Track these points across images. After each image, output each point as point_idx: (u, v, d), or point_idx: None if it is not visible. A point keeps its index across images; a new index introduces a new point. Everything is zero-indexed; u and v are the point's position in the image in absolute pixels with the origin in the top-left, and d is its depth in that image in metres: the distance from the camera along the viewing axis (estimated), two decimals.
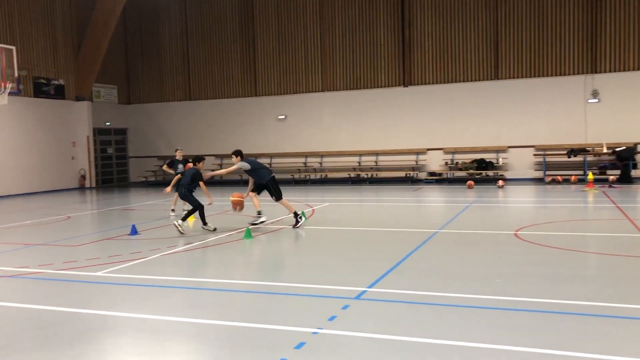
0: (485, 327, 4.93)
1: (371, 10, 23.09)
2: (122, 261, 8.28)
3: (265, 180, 11.35)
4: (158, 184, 24.38)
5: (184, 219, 10.68)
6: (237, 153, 11.41)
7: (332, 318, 5.26)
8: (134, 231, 10.79)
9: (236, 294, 6.40)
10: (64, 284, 7.09)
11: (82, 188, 24.03)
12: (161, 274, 7.50)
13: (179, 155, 14.25)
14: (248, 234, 9.98)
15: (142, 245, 9.57)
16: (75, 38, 24.18)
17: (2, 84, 14.86)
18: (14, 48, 15.92)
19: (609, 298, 5.72)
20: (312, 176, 23.93)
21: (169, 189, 12.34)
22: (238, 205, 10.97)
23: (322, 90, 23.98)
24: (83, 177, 24.24)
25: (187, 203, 11.40)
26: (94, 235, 11.26)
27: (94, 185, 24.50)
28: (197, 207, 10.65)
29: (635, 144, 19.71)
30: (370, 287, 6.39)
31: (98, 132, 25.54)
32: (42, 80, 22.70)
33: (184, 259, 8.59)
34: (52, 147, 23.02)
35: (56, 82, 23.35)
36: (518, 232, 9.74)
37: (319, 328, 4.98)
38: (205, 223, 10.70)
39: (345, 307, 5.60)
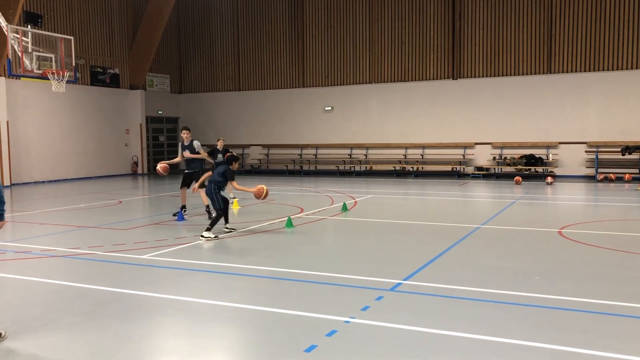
0: (518, 323, 4.92)
1: (421, 1, 22.83)
2: (167, 245, 8.60)
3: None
4: (206, 171, 24.95)
5: (209, 229, 9.21)
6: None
7: (365, 308, 5.35)
8: (180, 217, 11.14)
9: (272, 280, 6.56)
10: (112, 265, 7.43)
11: (134, 174, 24.85)
12: (202, 258, 7.76)
13: (220, 145, 14.44)
14: (289, 223, 10.15)
15: (187, 231, 9.89)
16: (130, 28, 24.94)
17: (61, 72, 15.49)
18: (72, 38, 16.55)
19: None
20: (358, 168, 23.96)
21: (196, 187, 10.93)
22: (261, 196, 9.75)
23: (370, 82, 23.92)
24: (135, 163, 25.05)
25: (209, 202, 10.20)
26: (143, 220, 11.69)
27: (145, 171, 25.28)
28: (220, 213, 9.49)
29: None
30: (406, 279, 6.43)
31: (150, 120, 26.30)
32: (99, 69, 23.54)
33: (224, 245, 8.83)
34: (106, 134, 23.88)
35: (112, 71, 24.16)
36: (562, 230, 9.55)
37: (351, 317, 5.08)
38: (227, 221, 9.80)
39: (379, 298, 5.68)
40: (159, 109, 26.81)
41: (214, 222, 9.35)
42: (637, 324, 4.94)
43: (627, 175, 19.01)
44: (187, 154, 11.71)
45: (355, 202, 13.95)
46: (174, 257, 7.83)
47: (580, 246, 8.35)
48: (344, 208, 12.27)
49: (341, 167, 23.99)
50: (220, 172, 9.66)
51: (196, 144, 11.77)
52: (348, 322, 4.98)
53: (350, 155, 24.37)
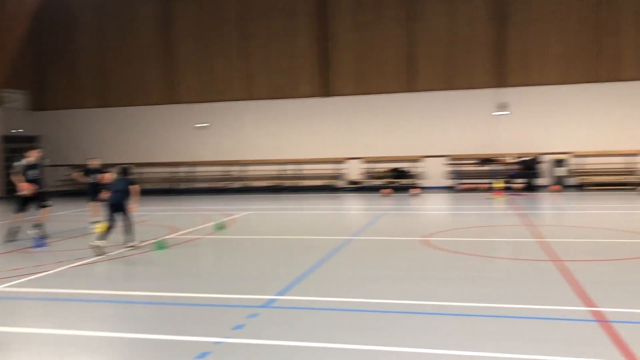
0: (389, 329, 5.14)
1: (291, 20, 23.34)
2: (24, 274, 7.93)
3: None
4: (70, 193, 23.38)
5: (102, 238, 9.33)
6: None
7: (238, 327, 5.30)
8: (39, 243, 10.34)
9: (142, 305, 6.30)
10: None
11: None
12: (64, 287, 7.26)
13: (93, 164, 13.71)
14: (161, 245, 9.81)
15: (47, 258, 9.20)
16: None
17: None
18: None
19: (504, 299, 6.09)
20: (234, 185, 23.79)
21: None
22: None
23: (244, 99, 23.94)
24: None
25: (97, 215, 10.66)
26: None
27: (2, 195, 23.17)
28: (112, 225, 9.63)
29: (539, 154, 20.99)
30: (280, 294, 6.48)
31: (6, 139, 24.20)
32: None
33: (88, 272, 8.33)
34: None
35: None
36: (427, 238, 10.16)
37: (223, 337, 5.01)
38: (103, 239, 9.39)
39: (252, 316, 5.66)
40: (17, 127, 24.76)
41: (109, 231, 9.47)
42: (492, 323, 5.37)
43: (483, 185, 20.67)
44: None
45: (232, 219, 13.83)
46: (33, 286, 7.24)
47: (444, 253, 8.93)
48: (220, 226, 12.13)
49: (217, 185, 23.68)
50: (125, 185, 9.90)
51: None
52: (220, 342, 4.91)
53: (225, 172, 24.14)
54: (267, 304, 6.11)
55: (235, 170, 24.15)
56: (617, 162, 20.71)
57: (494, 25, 21.55)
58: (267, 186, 23.42)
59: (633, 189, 19.03)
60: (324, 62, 23.13)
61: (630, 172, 20.27)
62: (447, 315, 5.58)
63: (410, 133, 22.44)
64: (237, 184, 23.80)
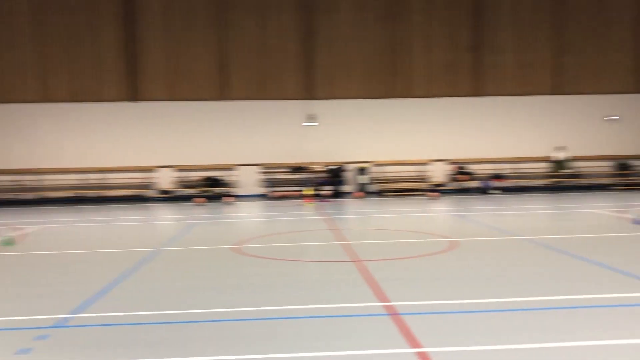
0: (198, 339, 4.99)
1: (94, 17, 21.88)
2: None
3: None
4: None
5: None
6: None
7: (23, 351, 4.74)
8: None
9: None
10: None
11: None
12: None
13: None
14: None
15: None
16: None
17: None
18: None
19: (310, 301, 6.31)
20: (27, 196, 21.48)
21: None
22: None
23: (40, 101, 21.80)
24: None
25: None
26: None
27: None
28: None
29: (344, 163, 22.36)
30: (74, 313, 5.94)
31: None
32: None
33: None
34: None
35: None
36: (239, 246, 10.16)
37: None
38: None
39: (40, 338, 5.10)
40: None
41: None
42: (293, 325, 5.51)
43: (294, 193, 21.39)
44: None
45: (23, 234, 12.44)
46: None
47: (254, 259, 9.00)
48: (7, 242, 10.82)
49: (7, 196, 21.17)
50: None
51: None
52: None
53: (17, 182, 21.72)
54: (60, 324, 5.56)
55: (28, 179, 21.84)
56: (411, 171, 22.91)
57: (303, 40, 22.52)
58: (67, 197, 21.57)
59: (424, 194, 21.19)
60: (131, 65, 22.06)
61: (422, 179, 22.56)
62: (255, 320, 5.61)
63: (224, 141, 22.41)
64: (30, 195, 21.55)
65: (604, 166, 23.21)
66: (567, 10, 22.86)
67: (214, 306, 6.13)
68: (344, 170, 22.14)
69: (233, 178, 22.37)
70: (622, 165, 23.00)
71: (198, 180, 22.05)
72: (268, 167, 22.46)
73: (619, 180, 22.63)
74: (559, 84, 23.06)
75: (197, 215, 16.31)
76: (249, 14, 22.34)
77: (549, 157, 22.93)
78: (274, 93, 22.59)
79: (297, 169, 22.13)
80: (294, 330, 5.31)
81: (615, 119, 23.03)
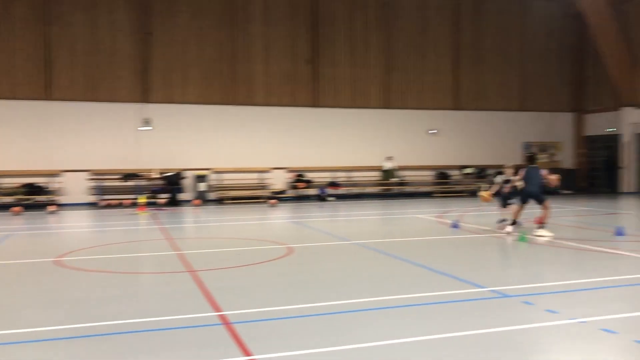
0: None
1: None
2: None
3: None
4: None
5: None
6: None
7: None
8: None
9: None
10: None
11: None
12: None
13: None
14: None
15: None
16: None
17: None
18: None
19: (144, 314, 5.96)
20: None
21: None
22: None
23: None
24: None
25: None
26: None
27: None
28: None
29: (181, 170, 21.73)
30: None
31: None
32: None
33: None
34: None
35: None
36: (63, 259, 9.34)
37: None
38: None
39: None
40: None
41: None
42: (129, 339, 5.17)
43: (126, 201, 20.26)
44: None
45: None
46: None
47: (78, 273, 8.31)
48: None
49: None
50: None
51: None
52: None
53: None
54: None
55: None
56: (251, 178, 22.97)
57: (138, 40, 21.53)
58: None
59: (264, 202, 21.36)
60: None
61: (262, 187, 22.72)
62: (77, 338, 5.16)
63: (47, 145, 20.55)
64: None
65: (427, 175, 25.33)
66: (393, 31, 24.62)
67: (31, 325, 5.53)
68: (181, 178, 21.50)
69: (57, 185, 20.59)
70: (442, 175, 25.30)
71: (16, 188, 19.94)
72: (98, 174, 21.05)
73: (440, 188, 24.83)
74: (387, 98, 24.73)
75: (13, 225, 14.72)
76: (77, 8, 20.81)
77: (379, 166, 24.45)
78: (106, 95, 21.27)
79: (131, 175, 21.03)
80: (125, 345, 4.97)
81: (435, 132, 25.27)
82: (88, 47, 21.01)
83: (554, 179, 11.94)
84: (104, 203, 20.25)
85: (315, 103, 23.73)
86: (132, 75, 21.55)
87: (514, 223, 11.80)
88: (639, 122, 24.68)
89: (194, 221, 16.78)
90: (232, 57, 22.62)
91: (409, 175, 24.91)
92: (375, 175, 24.50)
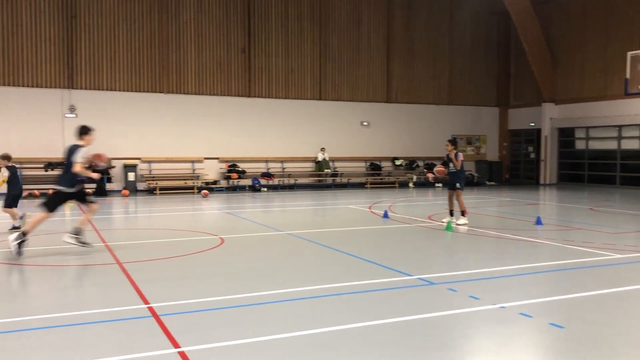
0: None
1: None
2: None
3: None
4: None
5: None
6: None
7: None
8: None
9: None
10: None
11: None
12: None
13: None
14: None
15: None
16: None
17: None
18: None
19: (70, 308, 5.77)
20: None
21: None
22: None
23: None
24: None
25: None
26: None
27: None
28: None
29: (109, 159, 20.99)
30: None
31: None
32: None
33: None
34: None
35: None
36: None
37: None
38: None
39: None
40: None
41: None
42: (50, 334, 5.00)
43: (51, 191, 19.39)
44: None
45: None
46: None
47: (5, 267, 7.93)
48: None
49: None
50: None
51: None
52: None
53: None
54: None
55: None
56: (183, 168, 22.53)
57: (63, 23, 20.59)
58: None
59: (196, 193, 21.02)
60: None
61: (194, 177, 22.34)
62: (11, 332, 4.95)
63: None
64: None
65: (360, 166, 25.72)
66: (327, 23, 24.77)
67: None
68: (109, 167, 20.81)
69: None
70: (374, 166, 25.76)
71: None
72: (19, 162, 20.01)
73: (372, 179, 25.29)
74: (321, 90, 24.87)
75: None
76: None
77: (313, 157, 24.59)
78: (29, 79, 20.24)
79: (55, 164, 20.15)
80: (54, 339, 4.81)
81: (367, 125, 25.67)
82: (7, 29, 19.90)
83: (442, 170, 12.88)
84: (26, 193, 19.28)
85: (249, 93, 23.54)
86: (56, 60, 20.60)
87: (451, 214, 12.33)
88: (558, 117, 26.06)
89: (122, 212, 16.32)
90: (162, 44, 22.06)
91: (342, 166, 25.21)
92: (308, 166, 24.64)
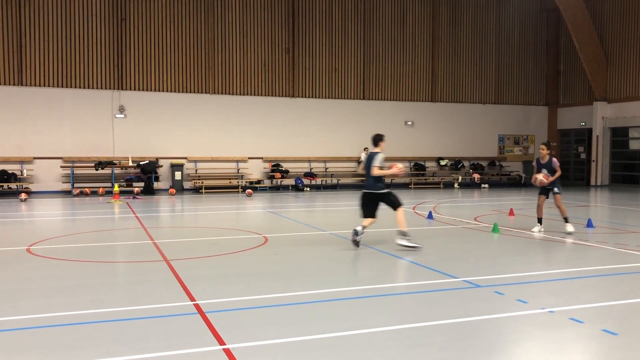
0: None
1: None
2: None
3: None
4: None
5: None
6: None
7: None
8: None
9: None
10: None
11: None
12: None
13: None
14: None
15: None
16: None
17: None
18: None
19: (117, 303, 5.92)
20: None
21: None
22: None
23: None
24: None
25: None
26: None
27: None
28: None
29: (157, 159, 21.52)
30: None
31: None
32: None
33: None
34: None
35: None
36: (31, 247, 9.20)
37: None
38: None
39: None
40: None
41: None
42: (101, 329, 5.14)
43: (100, 189, 20.00)
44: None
45: None
46: None
47: (49, 261, 8.21)
48: None
49: None
50: None
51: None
52: None
53: None
54: None
55: None
56: (227, 168, 22.85)
57: (112, 26, 21.18)
58: None
59: (241, 192, 21.28)
60: None
61: (239, 177, 22.62)
62: (59, 326, 5.11)
63: (17, 132, 20.17)
64: None
65: (405, 167, 25.47)
66: (372, 22, 24.65)
67: (8, 314, 5.45)
68: (157, 166, 21.29)
69: (30, 172, 20.23)
70: (419, 166, 25.49)
71: None
72: (71, 161, 20.73)
73: (416, 179, 25.03)
74: (365, 89, 24.78)
75: None
76: None
77: (356, 157, 24.53)
78: (81, 81, 20.92)
79: (105, 163, 20.75)
80: (100, 334, 4.94)
81: (411, 124, 25.42)
82: (61, 32, 20.61)
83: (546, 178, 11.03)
84: (76, 191, 19.96)
85: (292, 93, 23.67)
86: (107, 62, 21.22)
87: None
88: (610, 116, 25.18)
89: (169, 210, 16.66)
90: (209, 45, 22.43)
91: (387, 166, 24.99)
92: (352, 166, 24.59)
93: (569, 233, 10.80)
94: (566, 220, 10.99)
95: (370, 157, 9.51)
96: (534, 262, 8.50)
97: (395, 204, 9.32)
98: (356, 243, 9.12)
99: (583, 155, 27.02)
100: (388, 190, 9.46)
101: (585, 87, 26.15)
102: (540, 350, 4.70)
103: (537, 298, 6.15)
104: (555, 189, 11.12)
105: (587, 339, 4.97)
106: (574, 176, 27.64)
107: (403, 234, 9.11)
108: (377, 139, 9.72)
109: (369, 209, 9.34)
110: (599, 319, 5.51)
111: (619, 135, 25.67)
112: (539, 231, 11.06)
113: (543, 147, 11.16)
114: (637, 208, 16.22)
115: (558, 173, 11.03)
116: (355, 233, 9.13)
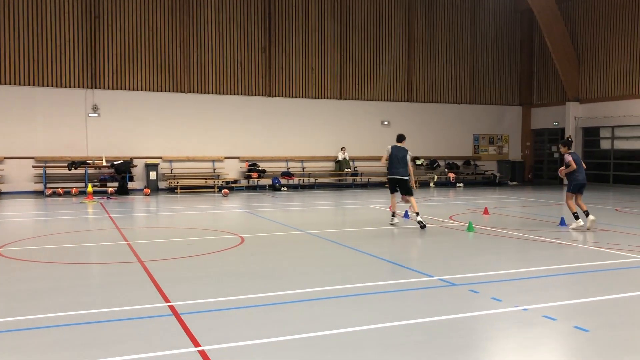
0: None
1: None
2: None
3: None
4: None
5: None
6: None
7: None
8: None
9: None
10: None
11: None
12: None
13: None
14: None
15: None
16: None
17: None
18: None
19: (83, 306, 5.82)
20: None
21: None
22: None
23: None
24: None
25: None
26: None
27: None
28: None
29: (131, 158, 21.25)
30: None
31: None
32: None
33: None
34: None
35: None
36: (2, 249, 9.00)
37: None
38: None
39: None
40: None
41: None
42: (77, 331, 5.04)
43: (74, 189, 19.68)
44: None
45: None
46: None
47: (22, 263, 8.05)
48: None
49: None
50: None
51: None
52: None
53: None
54: None
55: None
56: (203, 167, 22.67)
57: (86, 24, 20.85)
58: None
59: (217, 191, 21.14)
60: None
61: (214, 176, 22.46)
62: (30, 330, 5.00)
63: None
64: None
65: (380, 166, 25.59)
66: (348, 22, 24.70)
67: None
68: (131, 166, 21.02)
69: (0, 172, 19.82)
70: None
71: None
72: (44, 161, 20.35)
73: None
74: (341, 89, 24.82)
75: None
76: None
77: (333, 156, 24.56)
78: (53, 79, 20.55)
79: (79, 163, 20.41)
80: (73, 337, 4.85)
81: (388, 124, 25.55)
82: (33, 30, 20.22)
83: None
84: (49, 191, 19.61)
85: (269, 92, 23.59)
86: (80, 60, 20.88)
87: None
88: (582, 116, 25.65)
89: (144, 210, 16.47)
90: (185, 43, 22.22)
91: (362, 165, 25.13)
92: (328, 166, 24.62)
93: (574, 229, 11.30)
94: (576, 216, 11.42)
95: (399, 150, 11.88)
96: (509, 261, 8.61)
97: (409, 191, 11.84)
98: (422, 225, 11.25)
99: (556, 155, 27.47)
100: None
101: (558, 88, 26.60)
102: (515, 347, 4.76)
103: (511, 296, 6.23)
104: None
105: (559, 335, 5.05)
106: (548, 175, 28.09)
107: (417, 214, 11.46)
108: (402, 138, 12.34)
109: (394, 188, 12.13)
110: (571, 316, 5.60)
111: (590, 135, 26.15)
112: (577, 227, 11.30)
113: (559, 145, 12.15)
114: (608, 207, 16.55)
115: (568, 168, 11.49)
116: (417, 215, 11.42)
